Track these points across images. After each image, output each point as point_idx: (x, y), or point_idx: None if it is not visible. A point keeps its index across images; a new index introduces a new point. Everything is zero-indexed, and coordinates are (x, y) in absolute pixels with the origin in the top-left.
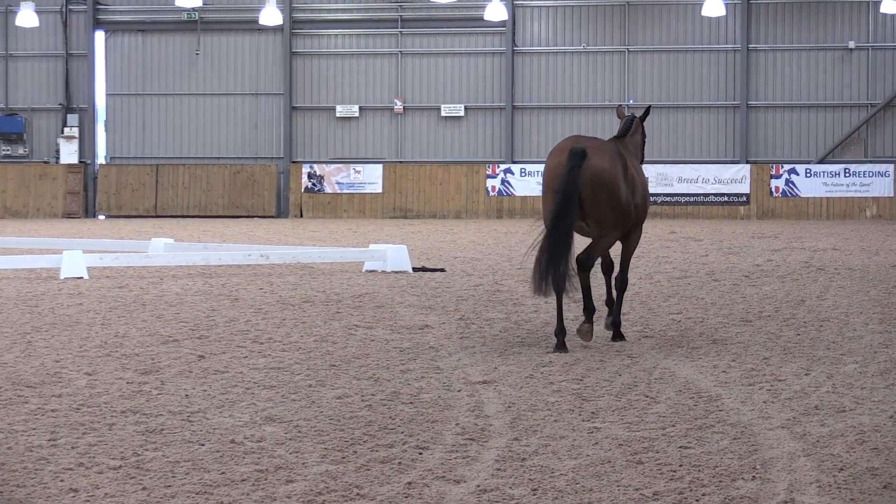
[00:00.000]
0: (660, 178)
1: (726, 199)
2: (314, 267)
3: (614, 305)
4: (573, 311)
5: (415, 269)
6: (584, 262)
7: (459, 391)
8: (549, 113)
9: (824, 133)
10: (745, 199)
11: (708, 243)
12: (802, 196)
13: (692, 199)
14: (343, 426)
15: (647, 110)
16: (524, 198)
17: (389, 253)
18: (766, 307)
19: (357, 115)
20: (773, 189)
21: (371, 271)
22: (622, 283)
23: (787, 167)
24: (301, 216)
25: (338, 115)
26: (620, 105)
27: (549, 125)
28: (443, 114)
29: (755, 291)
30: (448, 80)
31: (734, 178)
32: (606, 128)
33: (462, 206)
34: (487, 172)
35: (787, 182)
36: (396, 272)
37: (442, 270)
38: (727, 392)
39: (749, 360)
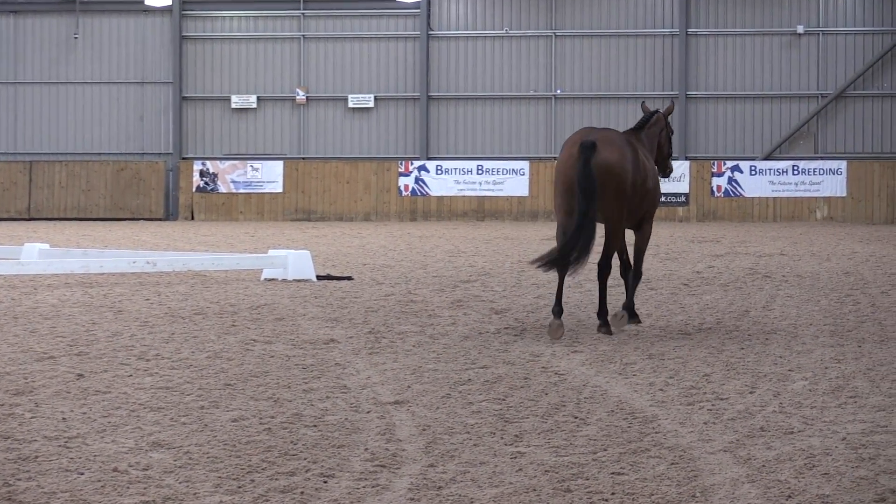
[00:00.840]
0: None
1: (663, 199)
2: (207, 275)
3: (628, 292)
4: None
5: (319, 278)
6: (604, 267)
7: (369, 412)
8: (469, 104)
9: (770, 127)
10: (683, 199)
11: None
12: (747, 196)
13: None
14: (239, 452)
15: (671, 106)
16: (440, 198)
17: (291, 259)
18: (707, 318)
19: (254, 105)
20: (715, 188)
21: (270, 280)
22: (637, 274)
23: (729, 164)
24: (192, 218)
25: (233, 105)
26: (644, 102)
27: (467, 117)
28: (350, 105)
29: (695, 301)
30: (356, 68)
31: (672, 176)
32: (531, 120)
33: (371, 208)
34: (400, 170)
35: (730, 180)
36: (298, 280)
37: (349, 279)
38: (664, 412)
39: (688, 377)
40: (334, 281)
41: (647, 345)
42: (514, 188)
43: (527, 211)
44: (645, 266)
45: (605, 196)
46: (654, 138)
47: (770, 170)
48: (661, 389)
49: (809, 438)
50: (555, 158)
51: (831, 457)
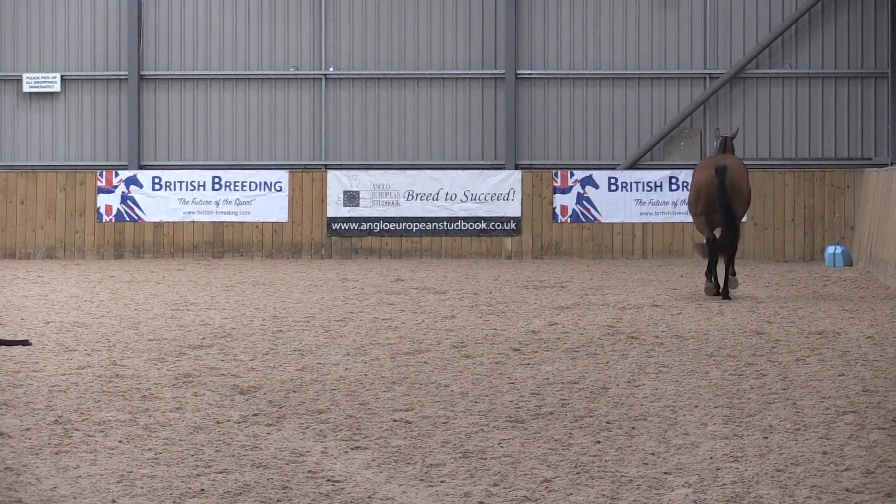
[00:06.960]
0: (377, 191)
1: (484, 226)
2: None
3: (730, 266)
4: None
5: None
6: (735, 248)
7: None
8: (200, 86)
9: (638, 121)
10: (513, 226)
11: (455, 297)
12: (604, 221)
13: (430, 227)
14: None
15: (735, 132)
16: (159, 225)
17: None
18: (548, 399)
19: None
20: (559, 210)
21: None
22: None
23: (579, 175)
24: None
25: None
26: (718, 129)
27: (198, 107)
28: (26, 88)
29: (530, 374)
30: (34, 35)
31: (496, 192)
32: (292, 111)
33: (58, 239)
34: (100, 184)
35: (581, 199)
36: None
37: (25, 343)
38: None
39: (521, 484)
40: (4, 347)
41: (461, 437)
42: (267, 210)
43: (285, 243)
44: (457, 323)
45: (738, 202)
46: None
47: (637, 183)
48: (482, 502)
49: None
50: (325, 166)
51: None
